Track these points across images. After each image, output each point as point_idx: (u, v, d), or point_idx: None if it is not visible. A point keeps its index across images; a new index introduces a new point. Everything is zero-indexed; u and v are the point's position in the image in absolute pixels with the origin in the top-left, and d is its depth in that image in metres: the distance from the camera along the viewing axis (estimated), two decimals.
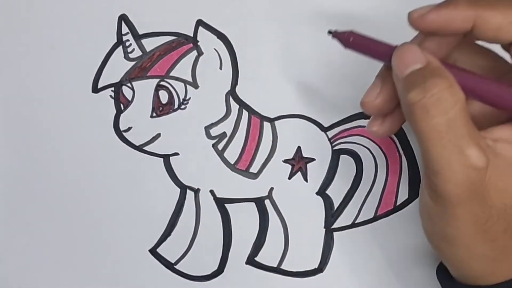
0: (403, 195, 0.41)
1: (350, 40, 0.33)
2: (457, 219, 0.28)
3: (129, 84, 0.42)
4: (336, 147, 0.41)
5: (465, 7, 0.28)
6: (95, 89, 0.42)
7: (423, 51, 0.29)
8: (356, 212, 0.41)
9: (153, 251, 0.42)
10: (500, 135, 0.29)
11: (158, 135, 0.42)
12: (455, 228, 0.29)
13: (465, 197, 0.28)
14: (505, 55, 0.31)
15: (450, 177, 0.27)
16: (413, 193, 0.40)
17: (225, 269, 0.42)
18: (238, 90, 0.41)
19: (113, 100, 0.42)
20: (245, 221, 0.42)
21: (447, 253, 0.30)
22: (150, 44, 0.42)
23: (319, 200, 0.41)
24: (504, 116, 0.31)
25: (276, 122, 0.41)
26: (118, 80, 0.42)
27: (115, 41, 0.42)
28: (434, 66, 0.28)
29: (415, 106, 0.27)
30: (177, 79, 0.41)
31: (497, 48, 0.31)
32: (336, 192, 0.41)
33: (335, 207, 0.41)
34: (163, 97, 0.41)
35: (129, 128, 0.42)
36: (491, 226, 0.28)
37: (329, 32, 0.34)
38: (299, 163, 0.41)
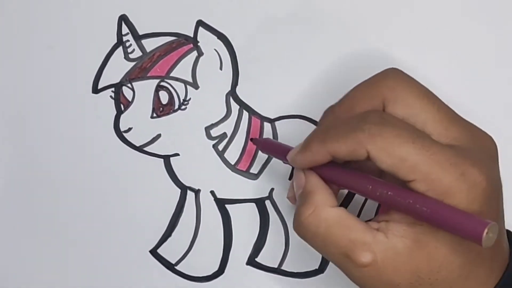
0: None
1: (261, 146, 0.39)
2: None
3: (129, 85, 0.42)
4: None
5: (317, 147, 0.32)
6: (95, 90, 0.42)
7: (306, 173, 0.34)
8: (357, 213, 0.41)
9: (154, 252, 0.42)
10: (393, 217, 0.31)
11: (159, 136, 0.42)
12: None
13: (374, 287, 0.32)
14: None
15: (355, 279, 0.32)
16: None
17: (225, 270, 0.42)
18: (238, 90, 0.41)
19: (113, 101, 0.42)
20: (245, 221, 0.42)
21: None
22: (150, 44, 0.42)
23: None
24: None
25: (277, 123, 0.41)
26: (118, 81, 0.42)
27: (115, 41, 0.42)
28: (305, 191, 0.33)
29: (300, 227, 0.33)
30: (177, 79, 0.41)
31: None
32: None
33: None
34: (164, 97, 0.41)
35: (130, 129, 0.42)
36: None
37: (251, 139, 0.41)
38: None
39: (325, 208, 0.32)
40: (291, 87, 0.41)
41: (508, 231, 0.35)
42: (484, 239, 0.27)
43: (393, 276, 0.31)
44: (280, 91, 0.41)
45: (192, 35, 0.41)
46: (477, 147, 0.32)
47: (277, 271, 0.42)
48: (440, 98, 0.33)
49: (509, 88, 0.40)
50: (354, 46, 0.40)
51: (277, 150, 0.37)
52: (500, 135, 0.34)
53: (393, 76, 0.33)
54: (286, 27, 0.41)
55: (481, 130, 0.34)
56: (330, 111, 0.35)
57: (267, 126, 0.41)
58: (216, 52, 0.41)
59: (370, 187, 0.31)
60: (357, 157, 0.31)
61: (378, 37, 0.40)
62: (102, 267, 0.42)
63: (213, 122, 0.41)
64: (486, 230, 0.27)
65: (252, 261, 0.42)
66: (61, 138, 0.42)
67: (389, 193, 0.30)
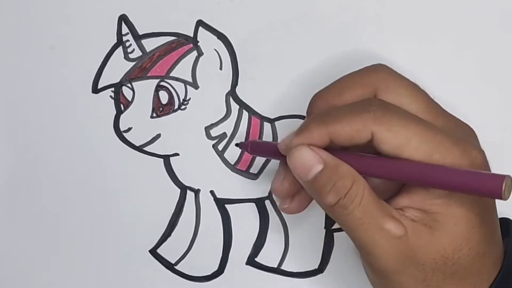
0: None
1: (249, 148, 0.38)
2: (399, 284, 0.32)
3: (129, 85, 0.42)
4: None
5: (317, 128, 0.32)
6: (95, 90, 0.42)
7: (314, 149, 0.32)
8: None
9: (153, 252, 0.42)
10: (403, 203, 0.32)
11: (158, 136, 0.42)
12: None
13: (398, 265, 0.31)
14: None
15: (380, 253, 0.31)
16: None
17: (225, 270, 0.42)
18: (238, 90, 0.41)
19: (113, 101, 0.42)
20: (245, 221, 0.42)
21: None
22: (150, 44, 0.42)
23: None
24: (395, 185, 0.34)
25: (276, 123, 0.41)
26: (118, 81, 0.42)
27: (115, 41, 0.42)
28: (333, 165, 0.32)
29: (335, 207, 0.31)
30: (177, 79, 0.41)
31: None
32: None
33: None
34: (163, 97, 0.41)
35: (129, 129, 0.42)
36: (430, 280, 0.32)
37: (236, 144, 0.40)
38: None
39: (360, 177, 0.32)
40: (291, 87, 0.41)
41: (507, 219, 0.36)
42: (504, 190, 0.28)
43: (420, 254, 0.31)
44: (280, 91, 0.41)
45: (192, 35, 0.41)
46: (464, 135, 0.34)
47: (277, 271, 0.42)
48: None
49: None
50: (354, 46, 0.40)
51: (266, 148, 0.37)
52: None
53: (384, 69, 0.34)
54: (286, 27, 0.41)
55: (463, 121, 0.35)
56: (318, 98, 0.35)
57: (267, 126, 0.41)
58: (216, 52, 0.41)
59: (385, 164, 0.31)
60: (359, 139, 0.31)
61: (378, 37, 0.40)
62: (101, 267, 0.42)
63: (213, 122, 0.42)
64: (505, 181, 0.28)
65: (251, 261, 0.42)
66: (61, 138, 0.42)
67: (406, 168, 0.31)
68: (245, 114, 0.41)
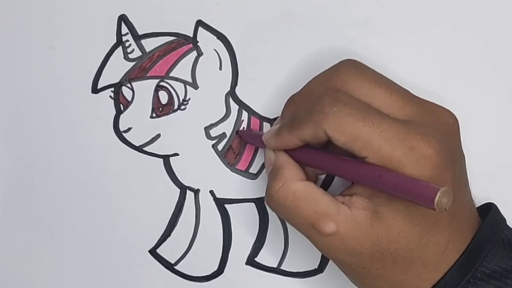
0: None
1: (239, 134, 0.41)
2: (345, 269, 0.35)
3: (128, 85, 0.42)
4: None
5: (286, 134, 0.35)
6: (95, 90, 0.42)
7: (276, 152, 0.36)
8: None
9: (153, 252, 0.42)
10: (355, 190, 0.34)
11: (158, 136, 0.42)
12: (351, 275, 0.36)
13: (337, 255, 0.34)
14: None
15: (317, 246, 0.34)
16: None
17: (225, 270, 0.42)
18: (237, 90, 0.41)
19: (112, 101, 0.42)
20: (245, 221, 0.42)
21: None
22: (149, 44, 0.42)
23: None
24: None
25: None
26: (117, 81, 0.42)
27: (115, 41, 0.42)
28: (276, 167, 0.36)
29: (268, 200, 0.35)
30: (176, 79, 0.41)
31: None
32: (337, 192, 0.40)
33: None
34: (163, 97, 0.41)
35: (129, 129, 0.42)
36: (370, 268, 0.34)
37: (236, 132, 0.42)
38: None
39: (294, 182, 0.34)
40: (291, 87, 0.41)
41: (490, 204, 0.37)
42: (437, 203, 0.28)
43: (355, 245, 0.33)
44: (279, 91, 0.41)
45: (191, 35, 0.41)
46: (431, 122, 0.34)
47: (277, 270, 0.42)
48: (394, 81, 0.35)
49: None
50: (355, 47, 0.40)
51: (257, 139, 0.38)
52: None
53: (345, 70, 0.35)
54: (286, 27, 0.41)
55: (439, 106, 0.35)
56: (291, 101, 0.37)
57: (266, 126, 0.41)
58: (215, 52, 0.41)
59: (334, 164, 0.34)
60: (320, 138, 0.33)
61: (379, 37, 0.40)
62: (101, 267, 0.42)
63: (213, 122, 0.42)
64: (438, 194, 0.28)
65: (251, 261, 0.42)
66: (61, 138, 0.42)
67: (351, 168, 0.33)
68: (245, 114, 0.41)
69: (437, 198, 0.28)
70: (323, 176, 0.41)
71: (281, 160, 0.36)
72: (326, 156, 0.34)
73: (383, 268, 0.33)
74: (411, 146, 0.31)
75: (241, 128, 0.41)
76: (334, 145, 0.33)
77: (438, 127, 0.34)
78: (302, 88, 0.37)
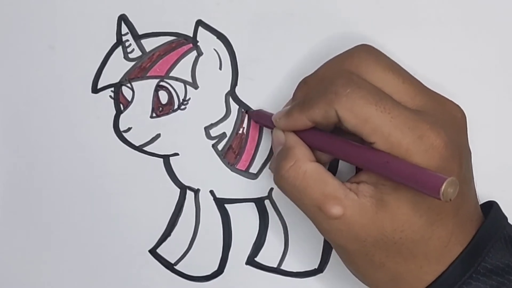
0: None
1: (249, 114, 0.41)
2: (347, 255, 0.35)
3: (128, 85, 0.42)
4: None
5: (297, 115, 0.35)
6: (95, 90, 0.42)
7: (285, 133, 0.36)
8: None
9: (153, 252, 0.42)
10: (362, 178, 0.34)
11: (158, 136, 0.42)
12: (353, 263, 0.35)
13: (341, 240, 0.34)
14: None
15: (321, 229, 0.34)
16: None
17: (225, 270, 0.42)
18: (237, 90, 0.41)
19: (112, 101, 0.42)
20: (245, 221, 0.42)
21: (361, 279, 0.36)
22: (149, 44, 0.42)
23: None
24: None
25: None
26: (117, 81, 0.42)
27: (115, 41, 0.42)
28: (287, 147, 0.35)
29: (277, 179, 0.35)
30: (176, 79, 0.41)
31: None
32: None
33: None
34: (163, 97, 0.41)
35: (129, 129, 0.42)
36: (372, 255, 0.34)
37: (246, 111, 0.41)
38: None
39: (305, 162, 0.34)
40: (291, 87, 0.41)
41: (491, 202, 0.37)
42: (443, 193, 0.28)
43: (360, 231, 0.33)
44: (279, 91, 0.41)
45: (191, 35, 0.41)
46: (440, 114, 0.34)
47: (277, 270, 0.42)
48: (408, 71, 0.35)
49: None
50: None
51: (266, 119, 0.38)
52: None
53: (359, 54, 0.35)
54: (286, 27, 0.41)
55: (449, 100, 0.35)
56: (303, 83, 0.37)
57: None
58: (215, 52, 0.41)
59: (342, 147, 0.33)
60: (330, 119, 0.33)
61: (379, 37, 0.40)
62: (101, 267, 0.42)
63: (213, 122, 0.42)
64: (444, 184, 0.28)
65: (251, 261, 0.42)
66: (61, 138, 0.42)
67: (359, 152, 0.32)
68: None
69: (443, 187, 0.28)
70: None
71: (292, 140, 0.36)
72: (334, 139, 0.34)
73: (386, 257, 0.33)
74: (421, 135, 0.31)
75: (242, 128, 0.41)
76: (342, 131, 0.33)
77: (448, 120, 0.34)
78: (315, 71, 0.37)
